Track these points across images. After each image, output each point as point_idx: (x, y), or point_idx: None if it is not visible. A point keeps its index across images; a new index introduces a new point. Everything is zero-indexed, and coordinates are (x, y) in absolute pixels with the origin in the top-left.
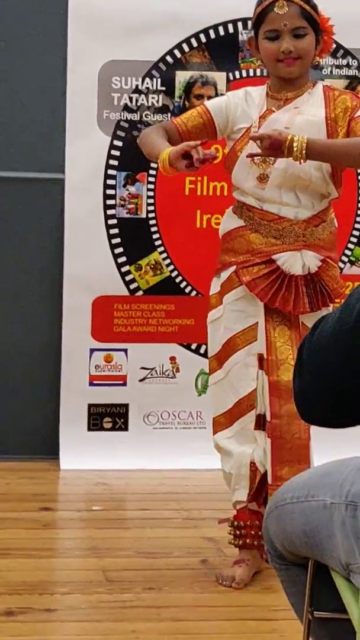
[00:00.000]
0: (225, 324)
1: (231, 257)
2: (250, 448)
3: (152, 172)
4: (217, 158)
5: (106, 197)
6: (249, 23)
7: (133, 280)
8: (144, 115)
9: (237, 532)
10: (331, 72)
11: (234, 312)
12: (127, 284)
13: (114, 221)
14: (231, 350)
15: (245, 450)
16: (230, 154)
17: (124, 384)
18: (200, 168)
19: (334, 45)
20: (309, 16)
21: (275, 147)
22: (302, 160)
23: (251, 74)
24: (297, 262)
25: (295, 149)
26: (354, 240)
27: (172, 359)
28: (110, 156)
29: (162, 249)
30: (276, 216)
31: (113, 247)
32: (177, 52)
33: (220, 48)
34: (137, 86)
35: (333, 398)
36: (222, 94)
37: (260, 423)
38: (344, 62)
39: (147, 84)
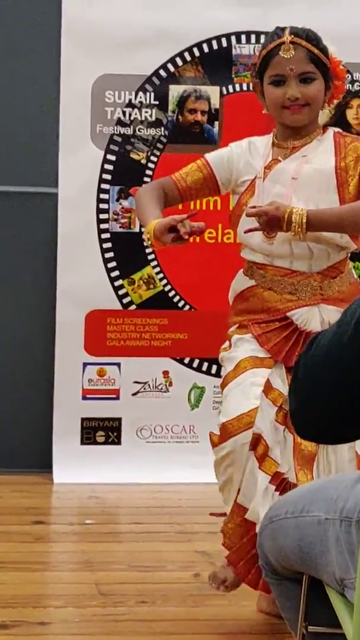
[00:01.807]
0: (239, 352)
1: (245, 317)
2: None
3: None
4: (205, 231)
5: (99, 211)
6: (242, 37)
7: (126, 295)
8: (137, 129)
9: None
10: None
11: (246, 344)
12: (120, 298)
13: (107, 235)
14: (242, 369)
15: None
16: (236, 209)
17: (117, 398)
18: (188, 241)
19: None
20: (317, 60)
21: (273, 223)
22: (301, 236)
23: (244, 88)
24: (315, 317)
25: (294, 223)
26: None
27: (165, 373)
28: (103, 170)
29: (155, 263)
30: (289, 270)
31: (106, 261)
32: (170, 66)
33: (214, 62)
34: (130, 100)
35: (328, 414)
36: (215, 110)
37: (280, 484)
38: None
39: (141, 97)
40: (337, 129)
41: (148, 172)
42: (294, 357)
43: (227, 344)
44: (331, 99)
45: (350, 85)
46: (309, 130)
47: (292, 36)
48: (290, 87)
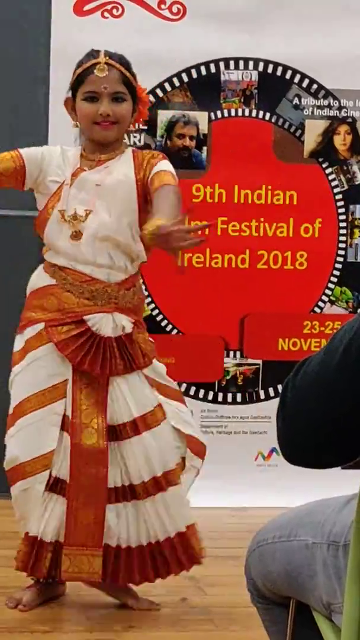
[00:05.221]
0: (29, 380)
1: (39, 314)
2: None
3: None
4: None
5: None
6: (231, 63)
7: None
8: None
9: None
10: (312, 112)
11: (40, 369)
12: None
13: None
14: (32, 407)
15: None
16: (43, 212)
17: None
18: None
19: (315, 86)
20: (128, 82)
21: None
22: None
23: (233, 113)
24: (108, 323)
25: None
26: (334, 280)
27: None
28: None
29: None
30: (89, 277)
31: None
32: (159, 92)
33: (202, 88)
34: None
35: (315, 439)
36: (203, 135)
37: (56, 486)
38: (325, 102)
39: None
40: (134, 148)
41: None
42: (87, 361)
43: (21, 362)
44: (136, 121)
45: (338, 112)
46: (115, 146)
47: (107, 58)
48: (102, 104)
